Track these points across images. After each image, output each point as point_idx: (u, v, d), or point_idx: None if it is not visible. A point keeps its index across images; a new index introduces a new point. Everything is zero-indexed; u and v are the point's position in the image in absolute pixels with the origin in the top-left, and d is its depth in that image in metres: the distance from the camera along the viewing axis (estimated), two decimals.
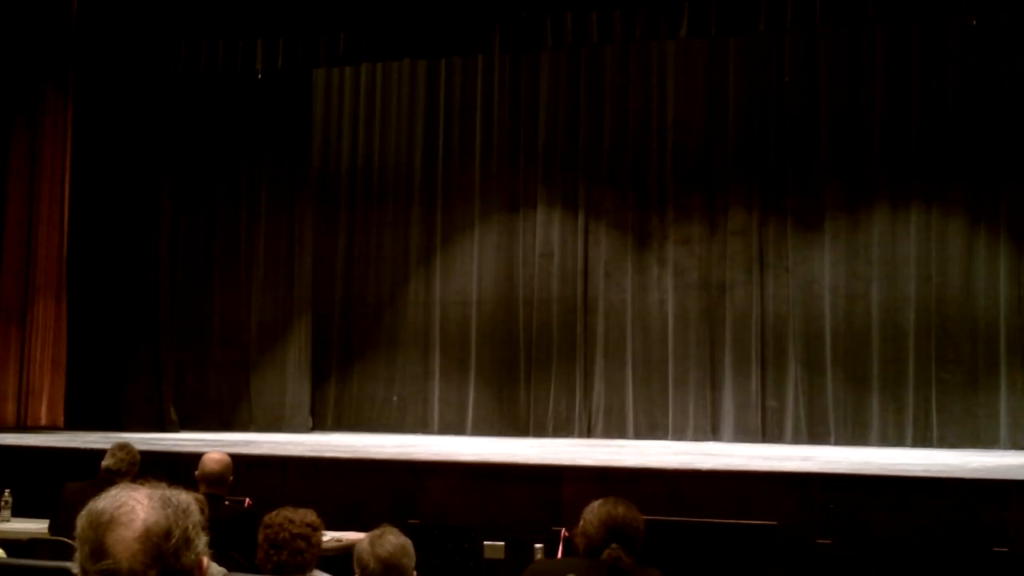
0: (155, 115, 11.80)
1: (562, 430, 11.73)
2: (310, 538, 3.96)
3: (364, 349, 12.67)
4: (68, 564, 1.71)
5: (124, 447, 6.00)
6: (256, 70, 10.90)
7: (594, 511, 3.88)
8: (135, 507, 1.65)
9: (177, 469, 6.37)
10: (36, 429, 10.10)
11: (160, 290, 11.51)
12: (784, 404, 11.17)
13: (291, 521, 3.95)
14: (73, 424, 10.72)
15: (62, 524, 5.29)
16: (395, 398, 12.41)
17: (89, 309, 11.24)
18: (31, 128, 10.65)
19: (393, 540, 3.43)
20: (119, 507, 1.65)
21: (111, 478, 5.69)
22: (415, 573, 3.46)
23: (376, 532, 3.48)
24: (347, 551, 6.00)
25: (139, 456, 6.02)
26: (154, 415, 11.13)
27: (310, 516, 4.02)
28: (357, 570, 3.43)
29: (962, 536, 6.40)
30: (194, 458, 5.77)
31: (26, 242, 10.52)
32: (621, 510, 3.87)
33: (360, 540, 3.50)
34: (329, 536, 4.96)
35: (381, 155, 12.86)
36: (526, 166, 12.26)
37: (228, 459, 5.63)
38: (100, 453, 7.48)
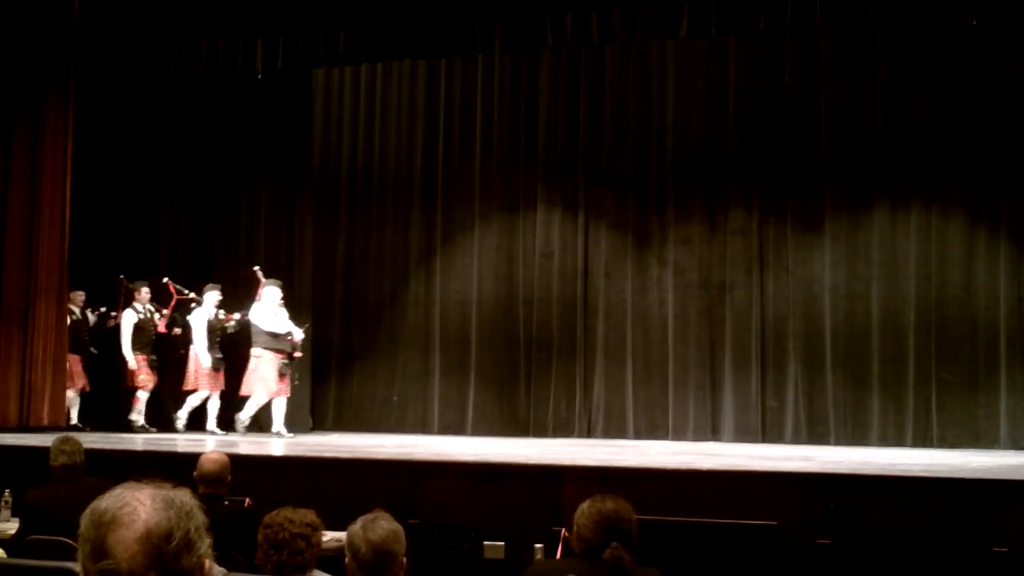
0: (155, 115, 11.81)
1: (562, 430, 11.73)
2: (310, 538, 3.95)
3: (364, 349, 12.67)
4: (68, 564, 1.71)
5: (66, 440, 5.79)
6: (256, 70, 10.91)
7: (584, 513, 3.83)
8: (137, 508, 1.65)
9: (177, 469, 6.35)
10: (38, 429, 10.09)
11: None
12: (784, 404, 11.17)
13: (291, 521, 3.95)
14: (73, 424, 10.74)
15: (38, 530, 5.11)
16: (395, 398, 12.41)
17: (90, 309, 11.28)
18: (32, 129, 10.63)
19: (385, 525, 3.42)
20: (121, 507, 1.65)
21: (70, 476, 5.59)
22: (405, 559, 3.44)
23: (369, 517, 3.46)
24: None
25: (81, 444, 5.83)
26: (154, 415, 11.13)
27: (310, 516, 4.02)
28: (348, 554, 3.42)
29: (962, 536, 6.39)
30: (194, 458, 5.76)
31: (28, 242, 10.51)
32: (610, 505, 3.83)
33: (352, 524, 3.47)
34: (329, 536, 4.95)
35: (381, 155, 12.86)
36: (526, 166, 12.26)
37: (226, 459, 5.60)
38: (99, 453, 7.51)
